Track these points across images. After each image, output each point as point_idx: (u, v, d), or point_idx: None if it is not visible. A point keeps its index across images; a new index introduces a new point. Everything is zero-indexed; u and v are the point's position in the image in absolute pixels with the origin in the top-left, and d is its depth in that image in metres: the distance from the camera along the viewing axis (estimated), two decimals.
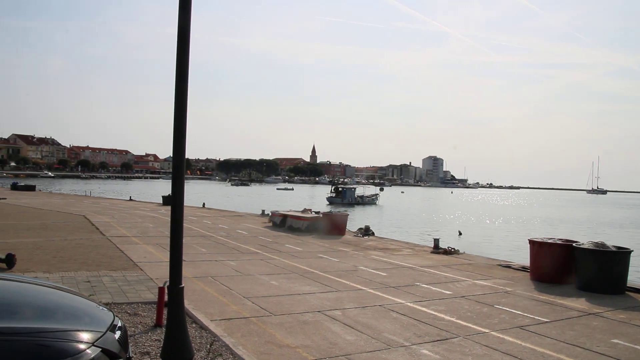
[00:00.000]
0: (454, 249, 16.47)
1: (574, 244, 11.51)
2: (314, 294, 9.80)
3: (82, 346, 3.42)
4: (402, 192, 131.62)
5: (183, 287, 5.28)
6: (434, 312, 8.71)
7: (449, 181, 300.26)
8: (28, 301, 4.03)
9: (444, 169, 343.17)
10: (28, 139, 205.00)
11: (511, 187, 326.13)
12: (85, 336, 3.53)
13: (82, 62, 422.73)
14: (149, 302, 8.43)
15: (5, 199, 14.93)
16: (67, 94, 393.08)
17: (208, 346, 6.30)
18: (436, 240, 16.98)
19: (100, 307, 4.29)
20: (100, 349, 3.51)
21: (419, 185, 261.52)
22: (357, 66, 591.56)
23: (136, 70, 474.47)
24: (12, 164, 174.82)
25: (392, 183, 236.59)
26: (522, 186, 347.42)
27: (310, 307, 8.80)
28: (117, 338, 3.80)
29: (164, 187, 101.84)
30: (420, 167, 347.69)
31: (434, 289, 10.68)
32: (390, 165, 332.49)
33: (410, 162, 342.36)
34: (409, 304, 9.27)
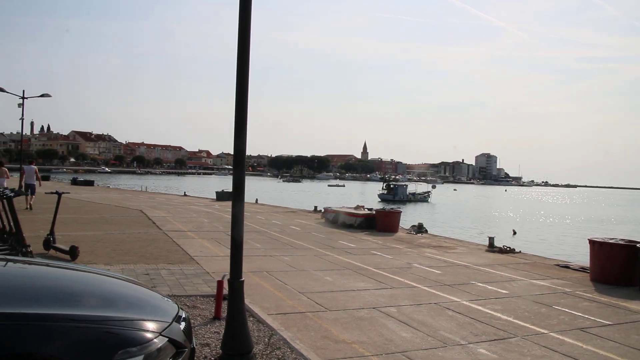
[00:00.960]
0: (509, 247, 16.19)
1: (637, 245, 11.16)
2: (368, 290, 9.81)
3: (149, 335, 3.52)
4: (455, 190, 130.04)
5: (243, 280, 5.39)
6: (490, 311, 8.60)
7: (503, 179, 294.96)
8: (96, 290, 4.17)
9: (498, 167, 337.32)
10: (86, 136, 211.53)
11: (568, 186, 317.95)
12: (152, 325, 3.63)
13: (138, 60, 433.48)
14: (206, 295, 8.61)
15: (68, 192, 15.45)
16: (124, 91, 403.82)
17: (266, 339, 6.40)
18: (491, 239, 16.72)
19: (165, 299, 4.41)
20: (167, 339, 3.60)
21: (472, 183, 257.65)
22: (409, 62, 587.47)
23: (189, 67, 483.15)
24: (72, 159, 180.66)
25: (444, 180, 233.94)
26: (579, 184, 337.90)
27: (365, 303, 8.82)
28: (182, 328, 3.90)
29: (217, 182, 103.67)
30: (473, 164, 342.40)
31: (490, 287, 10.54)
32: (443, 163, 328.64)
33: (462, 159, 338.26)
34: (464, 302, 9.19)
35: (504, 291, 10.23)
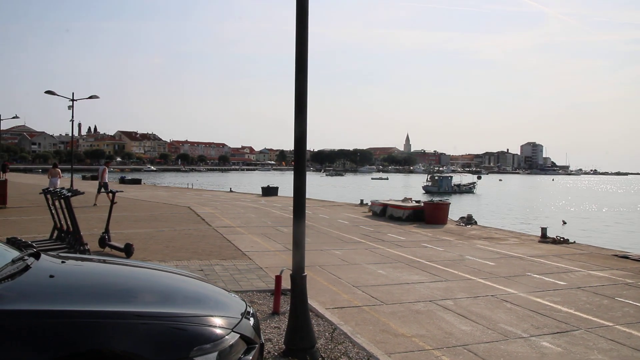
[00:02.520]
0: (563, 238, 15.83)
1: None
2: (423, 283, 9.72)
3: (221, 332, 3.53)
4: (500, 180, 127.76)
5: (306, 275, 5.39)
6: (549, 303, 8.41)
7: (550, 168, 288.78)
8: (163, 287, 4.21)
9: (544, 156, 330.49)
10: (132, 135, 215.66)
11: (618, 173, 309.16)
12: (223, 322, 3.64)
13: (179, 59, 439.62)
14: (262, 290, 8.66)
15: (122, 191, 15.80)
16: (167, 91, 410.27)
17: (328, 334, 6.40)
18: (544, 229, 16.37)
19: (232, 295, 4.43)
20: (239, 335, 3.61)
21: (517, 173, 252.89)
22: (450, 52, 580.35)
23: (230, 65, 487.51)
24: (118, 159, 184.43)
25: (489, 171, 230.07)
26: (630, 172, 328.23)
27: (421, 296, 8.74)
28: (252, 324, 3.91)
29: (261, 178, 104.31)
30: (519, 154, 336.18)
31: (547, 279, 10.31)
32: (487, 153, 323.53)
33: (507, 149, 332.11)
34: (522, 294, 9.01)
35: (562, 282, 10.00)
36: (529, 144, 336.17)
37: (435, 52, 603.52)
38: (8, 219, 18.31)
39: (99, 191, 24.49)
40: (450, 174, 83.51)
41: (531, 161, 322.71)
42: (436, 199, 24.91)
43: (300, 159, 5.38)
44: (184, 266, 10.50)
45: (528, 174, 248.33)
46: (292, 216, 16.33)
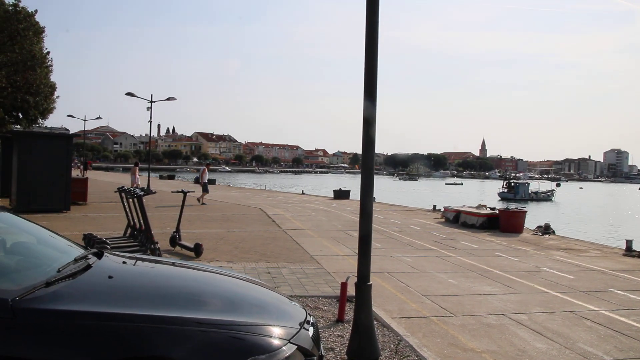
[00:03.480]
0: None
1: None
2: (495, 295, 9.30)
3: (278, 342, 3.38)
4: (581, 188, 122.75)
5: (371, 284, 5.18)
6: (636, 324, 7.83)
7: (636, 176, 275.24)
8: (222, 293, 4.12)
9: (630, 163, 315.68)
10: (208, 137, 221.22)
11: None
12: (280, 332, 3.49)
13: (256, 62, 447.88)
14: (328, 296, 8.49)
15: (193, 192, 16.10)
16: (243, 93, 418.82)
17: (392, 346, 6.16)
18: (629, 242, 15.44)
19: (292, 302, 4.28)
20: (296, 347, 3.45)
21: (600, 181, 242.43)
22: (529, 55, 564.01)
23: (305, 67, 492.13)
24: (195, 159, 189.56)
25: (569, 178, 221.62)
26: None
27: (493, 309, 8.35)
28: (310, 335, 3.74)
29: (334, 181, 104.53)
30: (602, 161, 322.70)
31: (633, 296, 9.66)
32: (567, 160, 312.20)
33: (589, 156, 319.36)
34: (604, 312, 8.46)
35: None
36: (612, 150, 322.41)
37: (514, 55, 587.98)
38: (87, 215, 18.97)
39: (203, 191, 26.19)
40: (528, 181, 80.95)
41: (615, 169, 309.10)
42: (512, 206, 24.05)
43: (369, 161, 5.18)
44: (251, 268, 10.49)
45: (611, 182, 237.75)
46: None
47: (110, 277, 3.82)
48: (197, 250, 11.58)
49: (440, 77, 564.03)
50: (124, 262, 4.35)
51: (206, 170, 27.31)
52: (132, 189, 11.91)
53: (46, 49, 20.06)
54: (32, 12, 18.37)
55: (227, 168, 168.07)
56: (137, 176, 26.77)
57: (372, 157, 5.18)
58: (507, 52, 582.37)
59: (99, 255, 4.25)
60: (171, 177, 69.64)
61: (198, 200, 25.84)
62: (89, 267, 3.83)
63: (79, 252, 4.28)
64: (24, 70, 18.29)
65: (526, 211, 20.27)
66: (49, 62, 20.06)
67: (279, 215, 21.67)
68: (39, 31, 18.79)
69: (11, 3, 17.95)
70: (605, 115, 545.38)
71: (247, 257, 11.74)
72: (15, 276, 3.55)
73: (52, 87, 20.87)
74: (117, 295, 3.57)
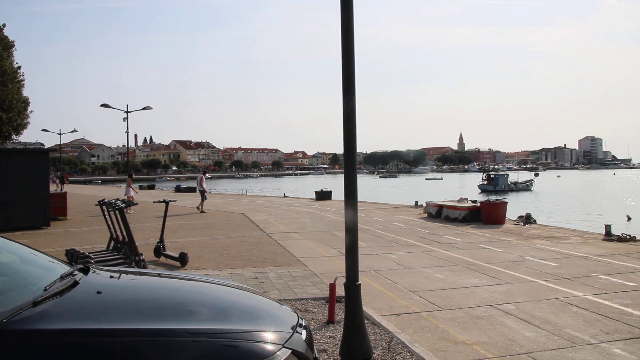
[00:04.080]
0: (629, 235, 15.10)
1: None
2: (482, 286, 9.38)
3: (271, 347, 3.36)
4: (558, 177, 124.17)
5: (360, 284, 5.20)
6: (619, 307, 7.95)
7: (610, 162, 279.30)
8: (212, 301, 4.10)
9: (604, 149, 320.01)
10: (186, 144, 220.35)
11: None
12: (273, 337, 3.48)
13: (226, 68, 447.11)
14: (316, 297, 8.50)
15: (175, 200, 16.00)
16: (217, 99, 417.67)
17: (384, 344, 6.19)
18: (608, 227, 15.65)
19: (283, 307, 4.27)
20: (290, 351, 3.43)
21: (576, 168, 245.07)
22: (502, 47, 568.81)
23: (278, 71, 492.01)
24: (174, 168, 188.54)
25: (546, 167, 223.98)
26: None
27: (481, 300, 8.42)
28: (304, 338, 3.74)
29: (314, 182, 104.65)
30: (577, 148, 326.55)
31: (614, 280, 9.80)
32: (543, 149, 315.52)
33: (565, 144, 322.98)
34: (588, 296, 8.57)
35: (632, 284, 9.48)
36: (587, 138, 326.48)
37: (485, 47, 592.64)
38: (68, 230, 18.78)
39: (202, 198, 26.52)
40: (506, 172, 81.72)
41: (590, 156, 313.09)
42: (493, 198, 24.24)
43: (351, 175, 5.19)
44: (238, 274, 10.46)
45: (587, 169, 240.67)
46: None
47: (98, 292, 3.77)
48: (183, 259, 11.52)
49: (414, 73, 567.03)
50: (111, 277, 4.30)
51: (203, 178, 27.62)
52: (112, 201, 11.80)
53: (17, 63, 19.76)
54: (0, 26, 18.10)
55: (208, 175, 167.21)
56: (132, 188, 26.64)
57: (354, 156, 5.19)
58: (478, 45, 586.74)
59: (85, 271, 4.20)
60: (151, 187, 69.01)
61: (197, 208, 26.26)
62: (76, 283, 3.79)
63: (64, 269, 4.23)
64: None
65: (507, 202, 20.45)
66: (21, 77, 19.78)
67: (262, 219, 21.63)
68: (8, 45, 18.51)
69: None
70: (578, 103, 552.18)
71: (233, 264, 11.70)
72: (0, 298, 3.50)
73: (25, 102, 20.59)
74: (107, 310, 3.53)
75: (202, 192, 26.84)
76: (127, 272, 4.87)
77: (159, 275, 5.11)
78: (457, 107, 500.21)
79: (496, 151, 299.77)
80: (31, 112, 20.99)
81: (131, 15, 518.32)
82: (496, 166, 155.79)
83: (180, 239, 15.73)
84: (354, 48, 5.15)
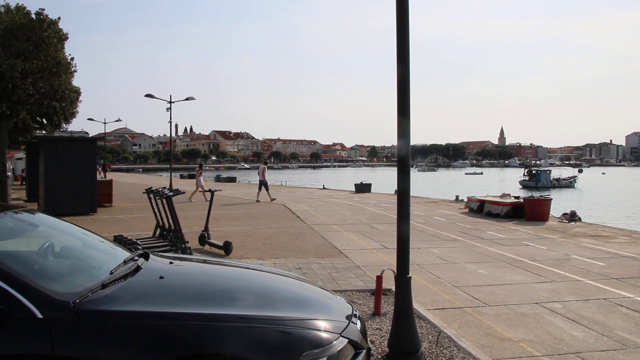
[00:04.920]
0: None
1: None
2: (527, 284, 9.29)
3: (329, 336, 3.43)
4: (603, 174, 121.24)
5: (410, 277, 5.23)
6: None
7: None
8: (267, 289, 4.18)
9: None
10: (226, 135, 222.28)
11: None
12: (330, 326, 3.54)
13: (268, 59, 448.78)
14: (360, 289, 8.55)
15: (220, 190, 16.25)
16: (258, 90, 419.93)
17: (431, 337, 6.20)
18: None
19: (337, 297, 4.34)
20: (347, 340, 3.50)
21: (622, 165, 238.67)
22: (544, 40, 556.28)
23: (318, 62, 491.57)
24: (213, 157, 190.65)
25: (591, 164, 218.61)
26: None
27: (526, 298, 8.34)
28: (359, 328, 3.80)
29: (353, 174, 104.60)
30: (624, 144, 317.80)
31: None
32: (588, 145, 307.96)
33: (611, 140, 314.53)
34: (638, 298, 8.41)
35: None
36: (635, 133, 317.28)
37: (530, 40, 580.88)
38: (114, 217, 19.22)
39: (266, 189, 27.46)
40: (549, 168, 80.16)
41: (638, 152, 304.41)
42: (535, 194, 23.89)
43: (405, 172, 5.21)
44: (281, 264, 10.58)
45: (635, 166, 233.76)
46: (386, 213, 16.10)
47: (161, 277, 3.90)
48: (227, 248, 11.68)
49: (455, 66, 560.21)
50: (170, 263, 4.44)
51: (266, 169, 28.02)
52: (160, 189, 12.04)
53: (70, 54, 20.31)
54: (55, 19, 18.64)
55: (246, 165, 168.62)
56: (202, 178, 27.40)
57: (408, 150, 5.19)
58: (522, 37, 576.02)
59: (146, 256, 4.34)
60: (192, 177, 69.88)
61: (268, 197, 27.12)
62: (138, 268, 3.93)
63: (125, 254, 4.38)
64: (49, 77, 18.58)
65: (551, 199, 20.12)
66: (73, 68, 20.34)
67: (302, 210, 21.76)
68: (62, 38, 19.02)
69: (35, 12, 18.24)
70: (626, 98, 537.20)
71: (276, 254, 11.83)
72: (72, 279, 3.66)
73: (77, 92, 21.16)
74: (169, 294, 3.66)
75: (264, 183, 27.40)
76: (183, 259, 5.01)
77: (213, 262, 5.23)
78: (499, 100, 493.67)
79: (538, 146, 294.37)
80: (80, 101, 21.60)
81: (171, 5, 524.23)
82: (538, 162, 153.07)
83: (223, 228, 15.94)
84: (409, 51, 5.14)
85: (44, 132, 25.55)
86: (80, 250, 4.38)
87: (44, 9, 18.40)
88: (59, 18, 19.06)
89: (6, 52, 17.45)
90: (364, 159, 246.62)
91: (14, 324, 3.00)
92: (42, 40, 18.14)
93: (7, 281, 3.11)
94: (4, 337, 2.98)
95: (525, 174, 69.02)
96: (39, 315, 3.03)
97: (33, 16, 18.40)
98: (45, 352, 2.93)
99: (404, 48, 5.10)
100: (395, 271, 5.34)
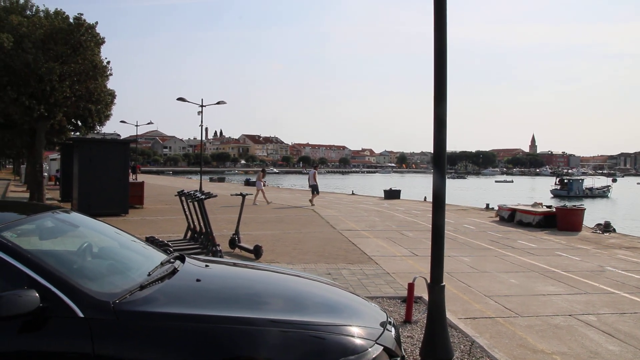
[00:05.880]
0: None
1: None
2: (560, 295, 9.15)
3: (364, 343, 3.41)
4: (639, 184, 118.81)
5: (444, 285, 5.20)
6: None
7: None
8: (301, 294, 4.17)
9: None
10: (255, 139, 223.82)
11: None
12: (364, 332, 3.52)
13: (298, 64, 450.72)
14: (391, 297, 8.51)
15: (251, 194, 16.34)
16: (288, 94, 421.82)
17: (463, 347, 6.15)
18: None
19: (371, 304, 4.32)
20: (382, 347, 3.49)
21: None
22: (577, 45, 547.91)
23: (348, 67, 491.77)
24: (242, 161, 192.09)
25: (625, 173, 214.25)
26: None
27: (559, 309, 8.21)
28: (393, 336, 3.78)
29: (382, 180, 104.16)
30: None
31: None
32: (622, 154, 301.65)
33: None
34: None
35: None
36: None
37: (561, 46, 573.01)
38: (145, 219, 19.45)
39: (313, 192, 27.74)
40: (581, 177, 78.87)
41: None
42: (568, 203, 23.52)
43: (440, 176, 5.18)
44: (311, 269, 10.58)
45: None
46: (416, 220, 16.03)
47: (198, 280, 3.94)
48: (257, 252, 11.74)
49: (486, 72, 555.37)
50: (206, 266, 4.48)
51: (316, 173, 28.34)
52: (192, 192, 12.15)
53: (106, 58, 20.77)
54: (92, 24, 19.09)
55: (275, 169, 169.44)
56: (262, 182, 27.85)
57: (444, 161, 5.16)
58: (554, 44, 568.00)
59: (182, 259, 4.39)
60: (221, 180, 70.68)
61: (310, 201, 27.44)
62: (175, 270, 3.98)
63: (160, 255, 4.44)
64: (85, 80, 19.03)
65: (584, 209, 19.79)
66: (109, 72, 20.80)
67: (332, 216, 21.76)
68: (99, 42, 19.45)
69: (74, 16, 18.69)
70: None
71: (306, 259, 11.85)
72: (111, 279, 3.72)
73: (112, 95, 21.65)
74: (206, 297, 3.69)
75: (315, 187, 27.69)
76: (217, 262, 5.06)
77: (246, 266, 5.26)
78: (530, 107, 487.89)
79: (570, 155, 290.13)
80: (114, 104, 22.07)
81: (200, 10, 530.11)
82: (570, 170, 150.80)
83: (253, 232, 16.01)
84: (447, 58, 5.12)
85: (77, 133, 26.11)
86: (118, 251, 4.45)
87: (82, 14, 18.84)
88: (96, 23, 19.52)
89: (45, 55, 17.90)
90: (393, 165, 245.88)
91: (56, 322, 3.07)
92: (79, 44, 18.59)
93: (50, 280, 3.18)
94: (47, 335, 3.05)
95: (557, 182, 68.11)
96: (80, 315, 3.09)
97: (71, 21, 18.86)
98: (85, 351, 2.98)
99: (442, 55, 5.09)
100: (428, 279, 5.31)
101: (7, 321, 2.96)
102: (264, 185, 28.68)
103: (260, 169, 28.88)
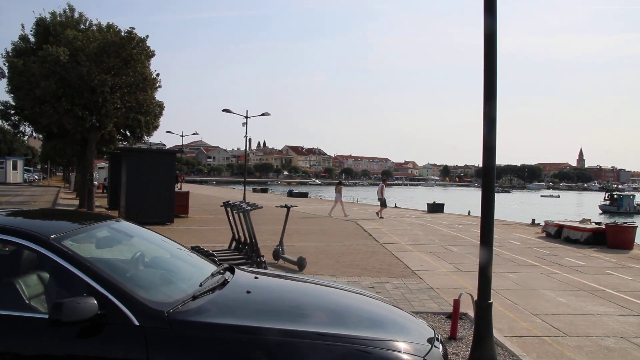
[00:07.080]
0: None
1: None
2: (610, 315, 8.91)
3: (411, 359, 3.41)
4: None
5: (492, 302, 5.14)
6: None
7: None
8: (349, 308, 4.18)
9: None
10: (298, 150, 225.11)
11: None
12: (411, 348, 3.49)
13: (340, 75, 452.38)
14: (435, 312, 8.44)
15: (296, 206, 16.42)
16: (331, 106, 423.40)
17: None
18: None
19: (419, 320, 4.30)
20: None
21: None
22: (624, 57, 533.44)
23: (393, 80, 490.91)
24: (285, 172, 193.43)
25: None
26: None
27: (610, 330, 8.00)
28: (441, 353, 3.76)
29: (424, 193, 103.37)
30: None
31: None
32: None
33: None
34: None
35: None
36: None
37: (606, 58, 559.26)
38: (190, 228, 19.75)
39: (381, 206, 28.50)
40: (632, 192, 76.70)
41: None
42: (618, 220, 22.92)
43: (489, 196, 5.14)
44: (355, 282, 10.57)
45: None
46: (460, 234, 15.89)
47: (248, 292, 4.01)
48: (301, 264, 11.78)
49: (533, 84, 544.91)
50: (256, 277, 4.54)
51: (384, 187, 28.80)
52: (238, 203, 12.30)
53: (155, 70, 21.33)
54: (143, 37, 19.67)
55: (317, 181, 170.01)
56: (341, 194, 28.44)
57: (493, 177, 5.12)
58: (599, 55, 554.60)
59: (232, 270, 4.46)
60: (264, 191, 71.06)
61: (377, 214, 27.99)
62: (226, 282, 4.05)
63: (210, 266, 4.52)
64: (135, 91, 19.58)
65: (637, 226, 19.24)
66: (158, 84, 21.33)
67: (375, 229, 21.69)
68: (149, 55, 19.98)
69: (126, 30, 19.29)
70: None
71: (349, 272, 11.84)
72: (165, 289, 3.82)
73: (161, 107, 22.21)
74: (256, 309, 3.75)
75: (383, 200, 28.19)
76: (265, 274, 5.11)
77: (293, 279, 5.30)
78: (578, 121, 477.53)
79: (620, 169, 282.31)
80: (162, 115, 22.63)
81: (246, 23, 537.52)
82: (620, 185, 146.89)
83: (296, 244, 16.08)
84: (497, 70, 5.09)
85: (125, 143, 26.80)
86: (170, 261, 4.56)
87: (134, 28, 19.41)
88: (147, 36, 20.08)
89: (98, 68, 18.46)
90: (436, 178, 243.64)
91: (113, 329, 3.18)
92: (130, 57, 19.15)
93: (108, 288, 3.29)
94: (103, 341, 3.17)
95: (606, 198, 66.47)
96: (136, 323, 3.19)
97: (123, 34, 19.43)
98: (140, 358, 3.06)
99: (492, 66, 5.06)
100: (474, 295, 5.26)
101: (67, 327, 3.07)
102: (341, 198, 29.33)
103: (337, 181, 29.42)
